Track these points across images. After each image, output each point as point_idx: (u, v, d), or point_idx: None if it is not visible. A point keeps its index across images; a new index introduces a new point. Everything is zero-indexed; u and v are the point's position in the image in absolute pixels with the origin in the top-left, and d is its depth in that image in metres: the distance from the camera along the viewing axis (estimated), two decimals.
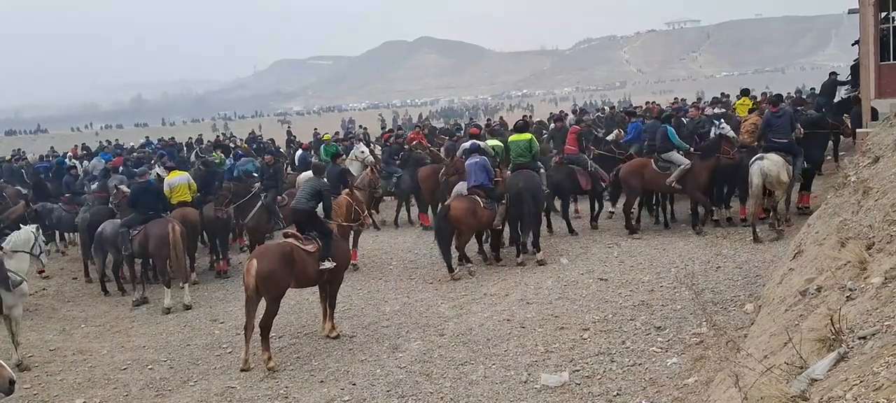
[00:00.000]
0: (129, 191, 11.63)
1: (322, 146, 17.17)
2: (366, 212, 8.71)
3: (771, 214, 10.78)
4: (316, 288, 8.30)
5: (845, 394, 2.71)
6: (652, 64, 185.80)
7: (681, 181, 11.35)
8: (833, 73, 18.10)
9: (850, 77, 17.10)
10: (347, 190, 8.81)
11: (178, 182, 11.64)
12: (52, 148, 30.72)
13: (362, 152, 13.99)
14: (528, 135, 11.04)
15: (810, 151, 11.52)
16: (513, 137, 11.05)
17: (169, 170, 12.71)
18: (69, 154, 24.78)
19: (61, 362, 8.24)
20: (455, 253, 10.42)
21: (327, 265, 7.85)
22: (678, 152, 11.48)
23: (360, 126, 32.24)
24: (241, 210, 12.07)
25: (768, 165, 10.23)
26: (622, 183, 12.01)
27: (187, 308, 10.01)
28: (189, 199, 11.68)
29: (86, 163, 18.57)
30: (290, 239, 7.79)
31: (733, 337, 5.85)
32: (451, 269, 10.16)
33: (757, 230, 10.42)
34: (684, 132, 12.40)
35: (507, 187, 10.71)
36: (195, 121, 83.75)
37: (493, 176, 10.53)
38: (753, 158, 10.51)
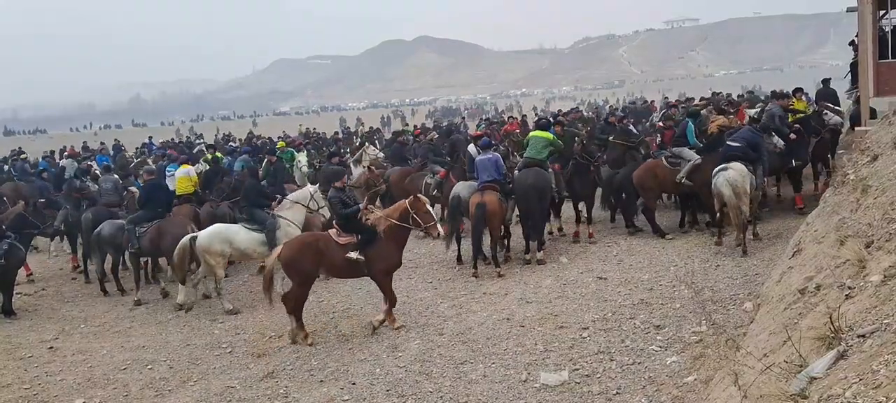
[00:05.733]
0: (137, 191, 11.90)
1: (278, 153, 16.66)
2: (432, 221, 8.36)
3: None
4: (315, 288, 8.35)
5: (845, 392, 2.71)
6: (651, 63, 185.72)
7: (690, 177, 11.11)
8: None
9: (849, 75, 17.04)
10: (415, 198, 8.55)
11: (180, 174, 12.15)
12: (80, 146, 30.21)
13: (374, 150, 14.32)
14: (550, 135, 10.98)
15: (796, 150, 11.45)
16: (534, 133, 11.07)
17: (181, 162, 12.97)
18: (67, 154, 24.83)
19: (61, 362, 8.24)
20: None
21: (352, 255, 8.03)
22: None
23: (371, 127, 32.22)
24: (238, 206, 12.17)
25: (733, 175, 9.82)
26: (638, 186, 11.52)
27: (185, 306, 10.03)
28: (191, 190, 11.93)
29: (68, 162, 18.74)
30: (328, 231, 8.36)
31: (733, 336, 5.85)
32: (475, 266, 10.31)
33: (744, 241, 9.95)
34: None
35: (515, 184, 10.70)
36: (194, 120, 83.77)
37: (504, 171, 10.55)
38: (717, 170, 10.04)
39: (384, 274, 8.27)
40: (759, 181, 10.28)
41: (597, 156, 11.84)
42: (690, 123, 11.72)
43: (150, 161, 19.22)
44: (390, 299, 8.25)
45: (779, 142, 10.53)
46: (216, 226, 9.88)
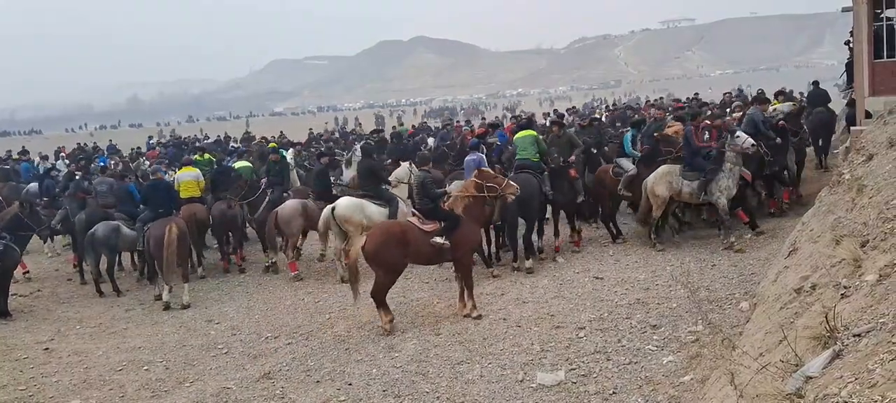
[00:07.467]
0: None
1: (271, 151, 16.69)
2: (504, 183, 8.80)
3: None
4: (312, 289, 8.32)
5: (840, 391, 2.72)
6: (647, 63, 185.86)
7: (629, 188, 11.12)
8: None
9: (844, 74, 17.06)
10: (480, 171, 8.98)
11: (185, 178, 12.08)
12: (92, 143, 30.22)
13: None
14: (533, 132, 10.90)
15: (774, 157, 11.29)
16: (518, 135, 10.97)
17: (184, 165, 13.00)
18: (63, 155, 24.79)
19: (57, 363, 8.22)
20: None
21: (437, 240, 8.13)
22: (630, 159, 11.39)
23: (376, 128, 32.19)
24: (251, 206, 12.33)
25: (648, 179, 10.51)
26: (592, 192, 11.78)
27: (185, 307, 10.02)
28: (198, 195, 12.06)
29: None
30: (412, 220, 8.42)
31: (729, 335, 5.85)
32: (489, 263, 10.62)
33: (653, 238, 10.64)
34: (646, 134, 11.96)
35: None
36: (191, 121, 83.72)
37: None
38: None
39: (469, 254, 8.54)
40: (698, 190, 10.11)
41: (549, 160, 11.33)
42: (629, 133, 11.75)
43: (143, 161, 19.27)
44: (469, 284, 8.40)
45: (746, 141, 9.90)
46: (352, 199, 10.62)
